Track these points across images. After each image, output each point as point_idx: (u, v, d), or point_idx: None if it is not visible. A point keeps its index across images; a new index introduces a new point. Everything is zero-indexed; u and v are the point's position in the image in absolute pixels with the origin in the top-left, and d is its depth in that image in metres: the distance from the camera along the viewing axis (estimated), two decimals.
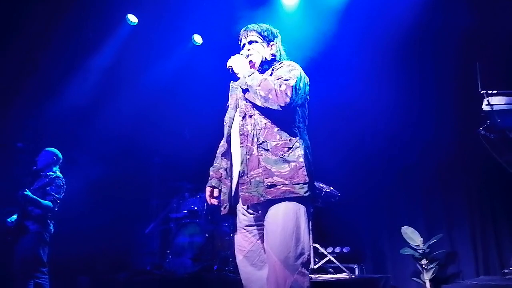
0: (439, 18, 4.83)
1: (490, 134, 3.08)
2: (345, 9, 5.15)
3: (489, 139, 3.08)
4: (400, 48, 5.12)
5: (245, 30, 2.36)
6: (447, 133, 4.81)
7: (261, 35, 2.33)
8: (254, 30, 2.33)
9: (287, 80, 2.02)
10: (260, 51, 2.30)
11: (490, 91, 2.87)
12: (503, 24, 4.28)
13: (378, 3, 4.99)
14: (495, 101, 2.88)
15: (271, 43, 2.35)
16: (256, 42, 2.31)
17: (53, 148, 4.08)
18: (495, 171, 4.03)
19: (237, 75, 2.16)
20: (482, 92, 2.88)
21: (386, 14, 4.94)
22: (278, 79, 2.04)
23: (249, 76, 2.10)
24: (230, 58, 2.21)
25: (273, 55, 2.33)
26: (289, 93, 1.99)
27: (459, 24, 4.64)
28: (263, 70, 2.25)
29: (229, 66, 2.19)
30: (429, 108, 5.01)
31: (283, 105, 1.98)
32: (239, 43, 2.39)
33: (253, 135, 2.05)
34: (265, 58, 2.30)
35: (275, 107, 2.00)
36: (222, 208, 2.17)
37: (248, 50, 2.28)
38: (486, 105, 2.89)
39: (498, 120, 2.87)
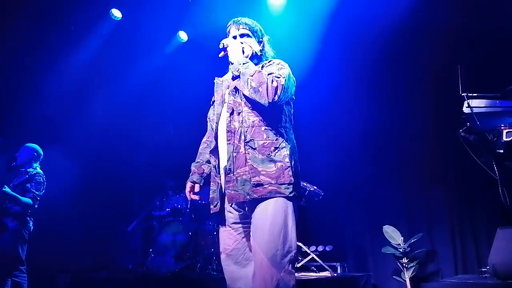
0: (422, 20, 4.90)
1: (470, 136, 3.13)
2: (331, 10, 5.17)
3: (468, 140, 3.13)
4: (384, 50, 5.18)
5: (236, 22, 2.33)
6: (427, 134, 4.89)
7: (253, 30, 2.33)
8: (247, 24, 2.32)
9: (278, 77, 2.02)
10: (252, 46, 2.29)
11: (471, 94, 2.92)
12: (484, 26, 4.37)
13: (363, 5, 5.04)
14: (475, 104, 2.93)
15: (261, 39, 2.35)
16: (248, 36, 2.31)
17: (33, 144, 4.00)
18: (473, 172, 4.12)
19: (230, 59, 2.15)
20: (463, 94, 2.93)
21: (371, 16, 4.99)
22: (270, 74, 2.04)
23: (243, 63, 2.09)
24: (225, 39, 2.21)
25: (261, 51, 2.33)
26: (278, 91, 1.99)
27: (442, 26, 4.72)
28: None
29: (223, 45, 2.18)
30: (411, 109, 5.08)
31: (270, 101, 1.99)
32: (228, 34, 2.36)
33: (240, 133, 2.05)
34: (255, 53, 2.30)
35: (262, 101, 2.00)
36: (212, 206, 2.15)
37: (241, 43, 2.26)
38: (467, 107, 2.93)
39: (478, 123, 2.93)
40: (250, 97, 2.04)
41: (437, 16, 4.75)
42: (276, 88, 1.98)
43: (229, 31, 2.35)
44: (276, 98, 1.99)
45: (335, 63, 5.49)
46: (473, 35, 4.48)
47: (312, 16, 5.23)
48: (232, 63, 2.16)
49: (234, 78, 2.14)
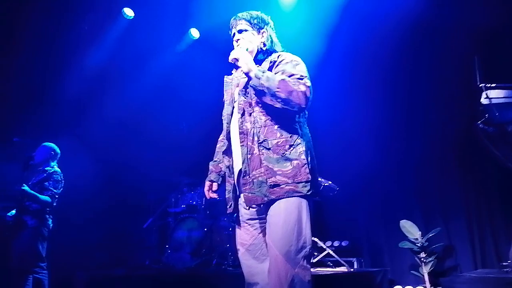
0: (438, 12, 4.81)
1: (488, 128, 3.06)
2: (344, 4, 5.12)
3: (487, 132, 3.07)
4: (399, 43, 5.09)
5: (234, 19, 2.27)
6: (443, 127, 4.82)
7: (250, 23, 2.23)
8: (243, 18, 2.24)
9: (302, 78, 1.97)
10: (252, 40, 2.20)
11: (489, 85, 2.85)
12: (501, 17, 4.27)
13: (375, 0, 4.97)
14: (494, 95, 2.87)
15: (262, 30, 2.25)
16: (246, 30, 2.22)
17: (50, 143, 4.07)
18: (491, 164, 4.04)
19: (247, 73, 2.00)
20: (480, 85, 2.87)
21: (384, 10, 4.91)
22: (290, 76, 1.98)
23: (262, 75, 1.95)
24: (233, 51, 2.08)
25: (264, 43, 2.23)
26: (308, 93, 1.95)
27: (458, 17, 4.63)
28: (258, 61, 2.15)
29: (233, 60, 2.05)
30: (426, 102, 5.01)
31: (304, 106, 1.95)
32: (230, 32, 2.30)
33: (253, 134, 2.01)
34: (261, 48, 2.22)
35: (295, 109, 1.96)
36: (227, 207, 2.15)
37: (238, 40, 2.20)
38: (485, 98, 2.87)
39: (497, 114, 2.86)
40: (282, 108, 1.95)
41: (455, 7, 4.65)
42: (305, 92, 1.93)
43: (230, 29, 2.29)
44: (307, 102, 1.95)
45: (349, 57, 5.43)
46: (491, 25, 4.37)
47: (325, 10, 5.18)
48: (249, 78, 1.99)
49: (259, 93, 1.99)
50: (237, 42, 2.22)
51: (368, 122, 5.39)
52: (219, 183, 2.33)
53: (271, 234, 1.93)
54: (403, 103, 5.16)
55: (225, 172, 2.28)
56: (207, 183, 2.34)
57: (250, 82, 1.99)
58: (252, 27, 2.23)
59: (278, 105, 1.95)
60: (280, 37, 2.36)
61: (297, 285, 1.85)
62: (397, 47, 5.12)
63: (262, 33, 2.25)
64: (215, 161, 2.38)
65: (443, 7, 4.74)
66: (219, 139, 2.42)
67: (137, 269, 4.82)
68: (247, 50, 2.14)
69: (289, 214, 1.91)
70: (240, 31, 2.23)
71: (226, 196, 2.16)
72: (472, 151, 4.46)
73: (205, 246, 4.70)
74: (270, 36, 2.27)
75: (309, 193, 1.94)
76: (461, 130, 4.54)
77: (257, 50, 2.22)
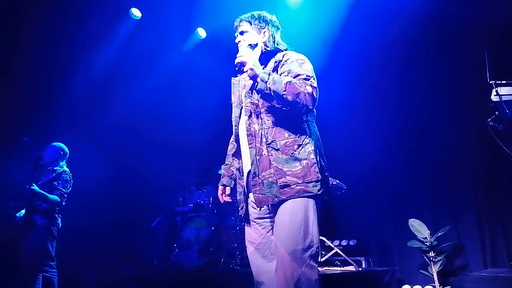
0: (447, 9, 4.76)
1: (499, 125, 3.03)
2: (352, 3, 5.09)
3: (497, 130, 3.03)
4: (407, 40, 5.05)
5: (236, 21, 2.29)
6: (453, 124, 4.77)
7: (251, 24, 2.24)
8: (244, 20, 2.25)
9: (308, 79, 1.97)
10: (253, 41, 2.19)
11: (499, 81, 2.82)
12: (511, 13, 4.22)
13: None
14: (504, 92, 2.83)
15: (262, 30, 2.24)
16: (247, 32, 2.23)
17: (59, 143, 4.10)
18: (502, 162, 3.99)
19: (253, 77, 1.97)
20: (491, 82, 2.83)
21: (393, 6, 4.87)
22: (296, 76, 1.97)
23: (268, 78, 1.93)
24: (238, 54, 2.04)
25: (265, 43, 2.21)
26: (314, 94, 1.94)
27: (467, 15, 4.58)
28: (261, 61, 2.11)
29: (239, 64, 2.01)
30: (435, 100, 4.96)
31: (311, 107, 1.95)
32: (235, 34, 2.31)
33: (261, 135, 2.01)
34: (265, 48, 2.20)
35: (303, 111, 1.96)
36: (239, 209, 2.16)
37: (239, 41, 2.22)
38: (495, 95, 2.84)
39: (507, 111, 2.83)
40: (289, 110, 1.95)
41: (465, 3, 4.59)
42: (312, 93, 1.93)
43: (235, 31, 2.30)
44: (315, 102, 1.95)
45: (357, 56, 5.40)
46: (498, 24, 4.31)
47: (332, 8, 5.16)
48: (255, 82, 1.97)
49: (265, 96, 1.98)
50: (238, 43, 2.23)
51: (377, 121, 5.36)
52: (232, 186, 2.34)
53: (278, 233, 1.94)
54: (412, 101, 5.12)
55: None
56: (220, 188, 2.36)
57: (256, 86, 1.97)
58: (252, 28, 2.24)
59: (285, 108, 1.95)
60: (287, 35, 2.35)
61: (303, 284, 1.84)
62: (406, 45, 5.09)
63: (264, 33, 2.24)
64: (226, 164, 2.38)
65: (452, 5, 4.69)
66: (230, 141, 2.41)
67: (145, 268, 4.84)
68: (252, 48, 2.13)
69: (295, 213, 1.91)
70: (241, 33, 2.24)
71: (238, 198, 2.17)
72: (482, 149, 4.42)
73: (213, 245, 4.71)
74: (273, 35, 2.25)
75: (319, 192, 1.93)
76: (471, 128, 4.50)
77: (262, 51, 2.20)
